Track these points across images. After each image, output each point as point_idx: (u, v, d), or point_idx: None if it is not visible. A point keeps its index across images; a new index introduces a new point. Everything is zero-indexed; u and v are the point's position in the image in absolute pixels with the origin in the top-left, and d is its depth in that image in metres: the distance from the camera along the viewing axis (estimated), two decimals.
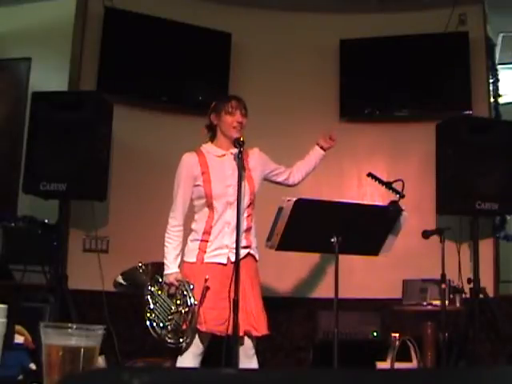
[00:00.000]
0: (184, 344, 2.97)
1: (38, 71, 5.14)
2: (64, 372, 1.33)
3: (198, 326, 2.95)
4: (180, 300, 2.97)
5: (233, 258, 2.97)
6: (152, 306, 3.05)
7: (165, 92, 4.91)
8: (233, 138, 3.07)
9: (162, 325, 2.99)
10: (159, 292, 3.06)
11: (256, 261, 3.15)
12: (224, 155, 3.18)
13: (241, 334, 2.91)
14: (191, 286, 2.95)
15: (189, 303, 2.92)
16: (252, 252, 3.11)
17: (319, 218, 2.83)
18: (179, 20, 4.92)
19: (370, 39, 5.04)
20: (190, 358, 2.99)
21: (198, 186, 3.11)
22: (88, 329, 1.39)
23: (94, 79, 4.69)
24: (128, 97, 4.83)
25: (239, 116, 3.14)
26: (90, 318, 4.12)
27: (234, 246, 2.90)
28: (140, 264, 3.12)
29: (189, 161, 3.15)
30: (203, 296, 2.94)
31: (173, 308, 2.98)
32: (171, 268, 3.04)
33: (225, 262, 3.04)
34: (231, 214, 3.03)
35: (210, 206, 3.09)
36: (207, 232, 3.08)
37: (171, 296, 3.02)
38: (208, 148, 3.22)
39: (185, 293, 2.95)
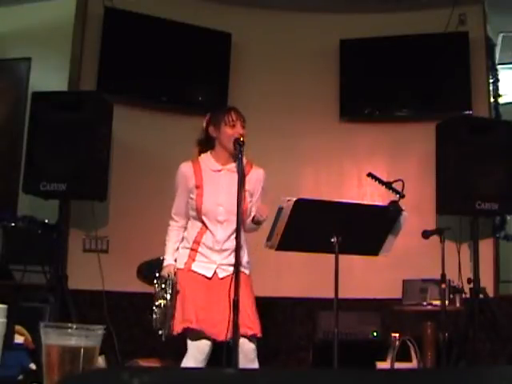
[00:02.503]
0: (163, 336, 2.99)
1: (38, 71, 5.14)
2: (64, 372, 1.33)
3: (189, 325, 2.95)
4: (162, 293, 3.03)
5: (221, 275, 3.03)
6: (154, 300, 3.09)
7: (165, 92, 4.90)
8: (231, 151, 3.03)
9: (154, 315, 3.05)
10: (156, 285, 3.10)
11: (246, 275, 3.09)
12: (220, 170, 3.11)
13: (230, 336, 2.90)
14: (172, 282, 3.02)
15: (166, 298, 3.00)
16: (241, 269, 3.04)
17: (319, 218, 2.83)
18: (179, 20, 4.92)
19: (369, 39, 5.04)
20: (191, 364, 2.95)
21: (191, 198, 3.10)
22: (88, 329, 1.39)
23: (94, 79, 4.69)
24: (128, 97, 4.83)
25: (240, 128, 3.05)
26: (90, 318, 4.12)
27: (223, 263, 3.02)
28: (162, 258, 3.20)
29: (184, 172, 3.11)
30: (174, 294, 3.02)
31: (157, 300, 3.04)
32: (167, 261, 3.12)
33: (209, 275, 3.05)
34: (222, 234, 3.05)
35: (200, 220, 3.09)
36: (197, 242, 3.08)
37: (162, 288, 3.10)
38: (206, 160, 3.14)
39: (163, 287, 3.03)
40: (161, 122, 4.91)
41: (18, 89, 5.17)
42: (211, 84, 5.01)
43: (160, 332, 3.00)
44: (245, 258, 3.10)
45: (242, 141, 2.97)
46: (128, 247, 4.67)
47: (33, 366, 2.19)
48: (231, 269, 2.95)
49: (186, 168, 3.11)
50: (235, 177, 2.89)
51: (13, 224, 4.66)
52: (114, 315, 4.31)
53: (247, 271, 3.12)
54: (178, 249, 3.15)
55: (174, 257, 3.12)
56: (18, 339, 2.39)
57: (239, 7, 5.06)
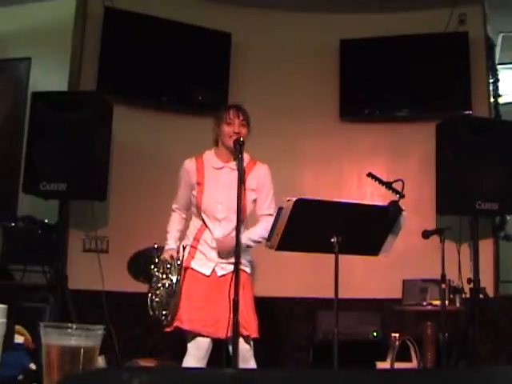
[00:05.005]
0: (166, 320, 2.98)
1: (38, 71, 5.14)
2: (64, 372, 1.33)
3: (179, 324, 2.97)
4: (166, 274, 3.05)
5: (219, 273, 3.05)
6: (153, 284, 3.09)
7: (165, 92, 4.90)
8: (231, 149, 3.05)
9: (154, 298, 3.04)
10: (155, 270, 3.12)
11: (247, 273, 3.10)
12: (222, 168, 3.14)
13: (230, 334, 2.87)
14: (178, 263, 3.05)
15: (172, 279, 3.02)
16: (241, 267, 3.06)
17: (319, 218, 2.82)
18: (179, 20, 4.91)
19: (369, 39, 5.04)
20: (192, 362, 2.96)
21: (193, 195, 3.14)
22: (88, 329, 1.39)
23: (94, 79, 4.68)
24: (128, 97, 4.82)
25: (237, 126, 3.08)
26: (90, 318, 4.12)
27: (222, 261, 3.03)
28: (156, 245, 3.24)
29: (187, 168, 3.16)
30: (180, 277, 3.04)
31: (160, 282, 3.05)
32: (168, 245, 3.17)
33: (208, 273, 3.06)
34: (219, 232, 3.07)
35: (200, 217, 3.12)
36: (197, 239, 3.11)
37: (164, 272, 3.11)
38: (208, 156, 3.18)
39: (168, 267, 3.06)
40: (161, 121, 4.91)
41: (18, 89, 5.17)
42: (211, 84, 5.01)
43: (163, 317, 2.98)
44: (245, 256, 3.10)
45: (242, 141, 2.99)
46: (128, 247, 4.67)
47: (33, 366, 2.19)
48: (230, 267, 2.97)
49: (189, 164, 3.16)
50: (236, 174, 2.91)
51: (13, 224, 4.65)
52: (114, 315, 4.31)
53: (248, 269, 3.12)
54: (180, 238, 3.19)
55: (173, 241, 3.18)
56: (18, 339, 2.39)
57: (239, 7, 5.05)
